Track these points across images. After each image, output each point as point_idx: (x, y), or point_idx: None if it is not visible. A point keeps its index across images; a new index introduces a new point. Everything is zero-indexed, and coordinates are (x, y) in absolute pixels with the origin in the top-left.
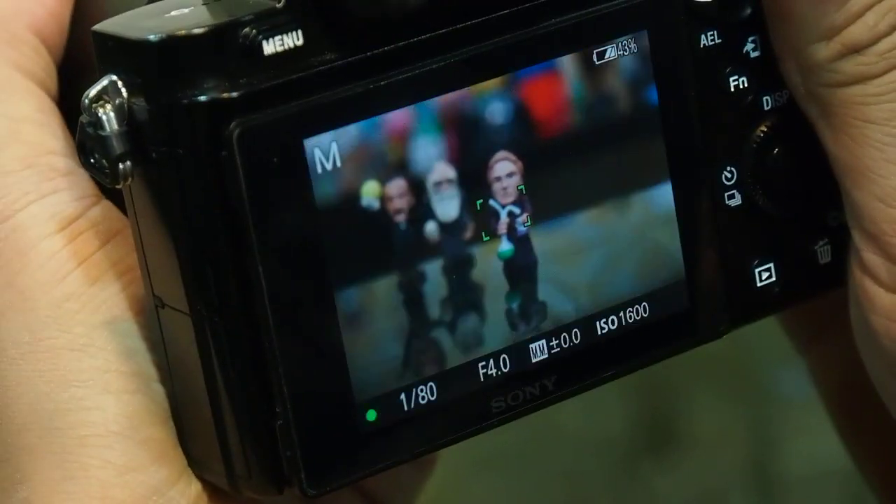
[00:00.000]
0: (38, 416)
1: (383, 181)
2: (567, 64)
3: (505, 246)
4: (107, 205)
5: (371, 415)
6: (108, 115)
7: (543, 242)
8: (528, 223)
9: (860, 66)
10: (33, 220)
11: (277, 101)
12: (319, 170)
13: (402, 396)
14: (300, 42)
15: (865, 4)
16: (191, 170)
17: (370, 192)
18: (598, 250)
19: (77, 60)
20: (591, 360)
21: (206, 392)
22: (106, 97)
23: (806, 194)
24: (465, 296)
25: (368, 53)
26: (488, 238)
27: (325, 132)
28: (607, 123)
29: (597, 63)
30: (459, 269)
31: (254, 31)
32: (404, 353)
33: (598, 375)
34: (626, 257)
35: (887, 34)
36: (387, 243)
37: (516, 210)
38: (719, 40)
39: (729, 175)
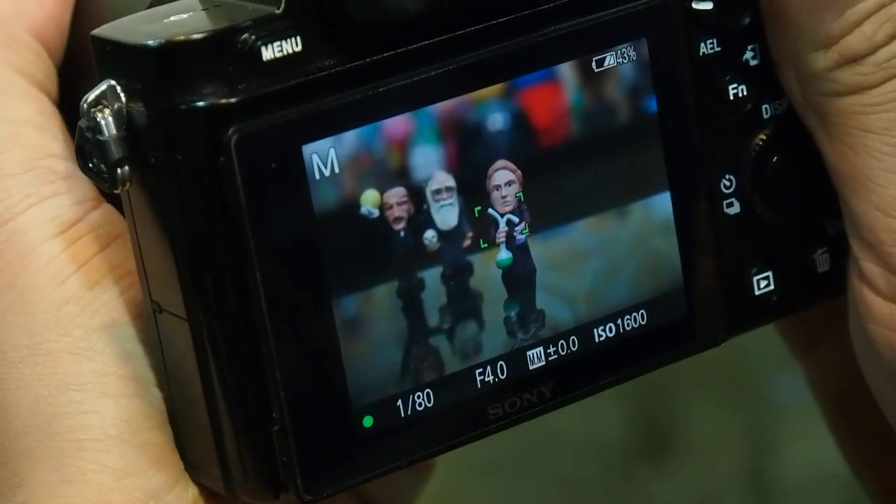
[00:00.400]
0: (37, 419)
1: (382, 189)
2: (566, 71)
3: (503, 254)
4: (107, 208)
5: (368, 421)
6: (106, 120)
7: (542, 251)
8: (527, 232)
9: (858, 76)
10: (34, 223)
11: (276, 106)
12: (318, 176)
13: (399, 403)
14: (299, 48)
15: (863, 14)
16: (189, 175)
17: (369, 199)
18: (596, 258)
19: (76, 62)
20: (589, 368)
21: (203, 397)
22: (104, 102)
23: (805, 202)
24: (463, 303)
25: (367, 60)
26: (487, 246)
27: (324, 138)
28: (606, 131)
29: (596, 70)
30: (458, 276)
31: (253, 36)
32: (402, 360)
33: (596, 383)
34: (625, 265)
35: (885, 44)
36: (385, 250)
37: (515, 218)
38: (719, 48)
39: (728, 183)
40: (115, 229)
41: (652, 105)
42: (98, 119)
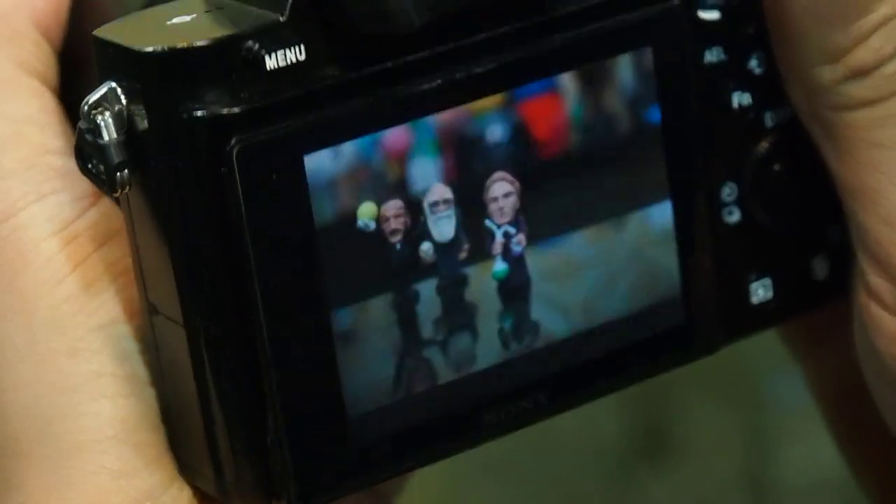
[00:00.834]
0: (34, 420)
1: (380, 201)
2: (567, 82)
3: (499, 266)
4: (105, 204)
5: (363, 429)
6: (106, 123)
7: (538, 262)
8: (524, 243)
9: (866, 90)
10: (33, 221)
11: (278, 116)
12: (318, 187)
13: (394, 412)
14: (303, 57)
15: (871, 27)
16: (189, 183)
17: (366, 213)
18: (594, 269)
19: (75, 52)
20: (585, 375)
21: (197, 400)
22: (105, 104)
23: (805, 210)
24: (458, 315)
25: (370, 70)
26: (483, 258)
27: (325, 149)
28: (608, 142)
29: (598, 80)
30: (453, 289)
31: (256, 45)
32: (397, 371)
33: (593, 391)
34: (623, 274)
35: (893, 57)
36: (381, 263)
37: (512, 230)
38: (724, 57)
39: (729, 191)
40: (113, 226)
41: (655, 114)
42: (98, 121)
